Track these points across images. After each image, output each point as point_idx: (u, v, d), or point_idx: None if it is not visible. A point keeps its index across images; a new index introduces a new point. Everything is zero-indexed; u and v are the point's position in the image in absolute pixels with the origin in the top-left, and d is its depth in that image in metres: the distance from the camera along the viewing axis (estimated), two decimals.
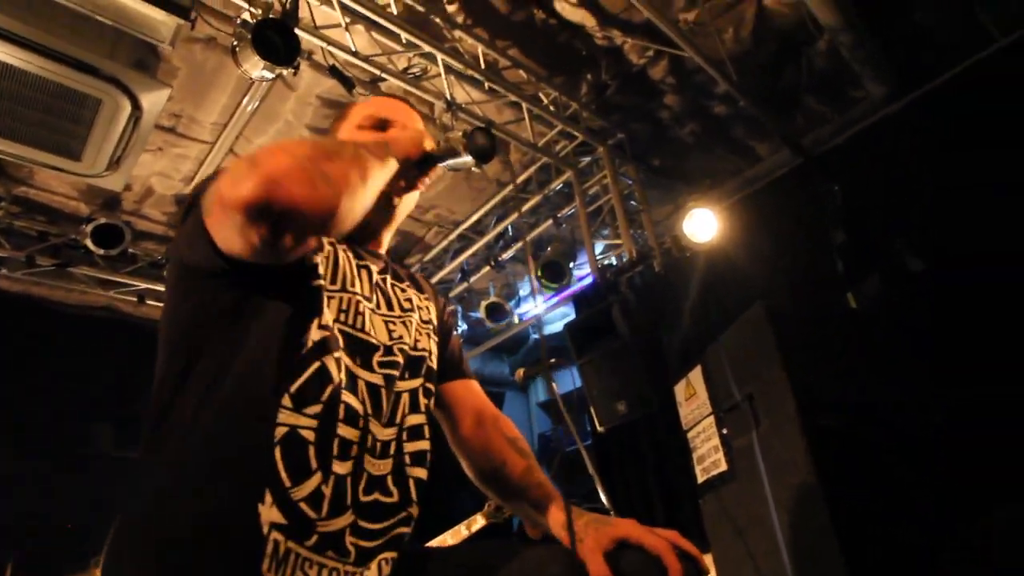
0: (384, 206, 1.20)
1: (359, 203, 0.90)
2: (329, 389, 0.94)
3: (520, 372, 3.14)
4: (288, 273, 0.97)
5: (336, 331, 1.00)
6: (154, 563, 0.82)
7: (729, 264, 3.94)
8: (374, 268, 1.17)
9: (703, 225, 4.03)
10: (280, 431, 0.89)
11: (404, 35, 3.66)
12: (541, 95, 4.25)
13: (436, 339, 1.26)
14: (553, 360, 3.75)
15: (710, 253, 4.04)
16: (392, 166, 1.01)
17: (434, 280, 5.69)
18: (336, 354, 0.97)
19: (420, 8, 3.67)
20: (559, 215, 4.89)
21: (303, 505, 0.87)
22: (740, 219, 4.12)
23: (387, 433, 1.03)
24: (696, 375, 3.22)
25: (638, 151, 4.68)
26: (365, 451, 0.97)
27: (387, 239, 1.30)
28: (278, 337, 0.95)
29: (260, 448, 0.87)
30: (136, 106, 3.72)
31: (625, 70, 4.23)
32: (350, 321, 1.04)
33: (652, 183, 4.92)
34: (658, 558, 0.88)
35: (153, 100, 3.75)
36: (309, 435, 0.91)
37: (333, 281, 1.05)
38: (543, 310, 5.44)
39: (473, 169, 3.64)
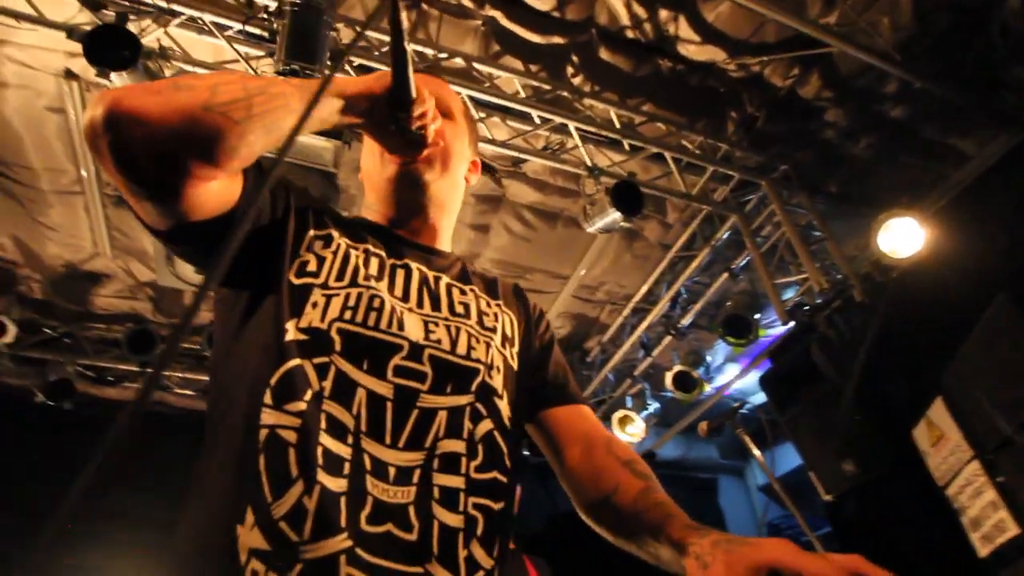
0: (409, 183, 1.09)
1: (254, 123, 0.80)
2: (309, 393, 0.83)
3: (703, 425, 2.76)
4: (264, 273, 0.92)
5: (334, 331, 0.88)
6: None
7: (947, 273, 3.21)
8: (419, 265, 1.05)
9: (905, 237, 3.40)
10: (263, 433, 0.80)
11: (536, 113, 3.86)
12: (685, 143, 4.12)
13: (510, 353, 1.06)
14: (737, 404, 3.25)
15: (918, 267, 3.35)
16: (334, 103, 0.90)
17: (615, 360, 5.47)
18: (322, 358, 0.86)
19: (546, 87, 3.87)
20: (733, 267, 4.49)
21: (283, 525, 0.74)
22: (951, 222, 3.40)
23: (406, 457, 0.84)
24: (938, 411, 2.58)
25: (809, 180, 4.22)
26: (366, 472, 0.80)
27: (442, 230, 1.17)
28: (257, 344, 0.89)
29: (246, 457, 0.79)
30: None
31: (771, 97, 3.95)
32: (359, 319, 0.90)
33: (834, 214, 4.35)
34: None
35: None
36: (291, 436, 0.79)
37: (339, 278, 0.94)
38: (737, 374, 4.86)
39: (622, 224, 3.53)
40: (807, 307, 3.72)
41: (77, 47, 3.61)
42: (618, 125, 3.95)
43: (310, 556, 0.73)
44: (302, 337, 0.87)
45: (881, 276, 3.55)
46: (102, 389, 5.24)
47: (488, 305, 1.09)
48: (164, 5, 3.32)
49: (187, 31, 3.45)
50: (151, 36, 3.35)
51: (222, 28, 3.46)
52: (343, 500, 0.77)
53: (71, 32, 3.19)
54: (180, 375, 5.36)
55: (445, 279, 1.07)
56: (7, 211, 4.43)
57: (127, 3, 3.33)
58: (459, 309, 1.04)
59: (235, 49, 3.52)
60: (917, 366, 3.10)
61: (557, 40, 3.82)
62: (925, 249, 3.33)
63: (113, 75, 3.07)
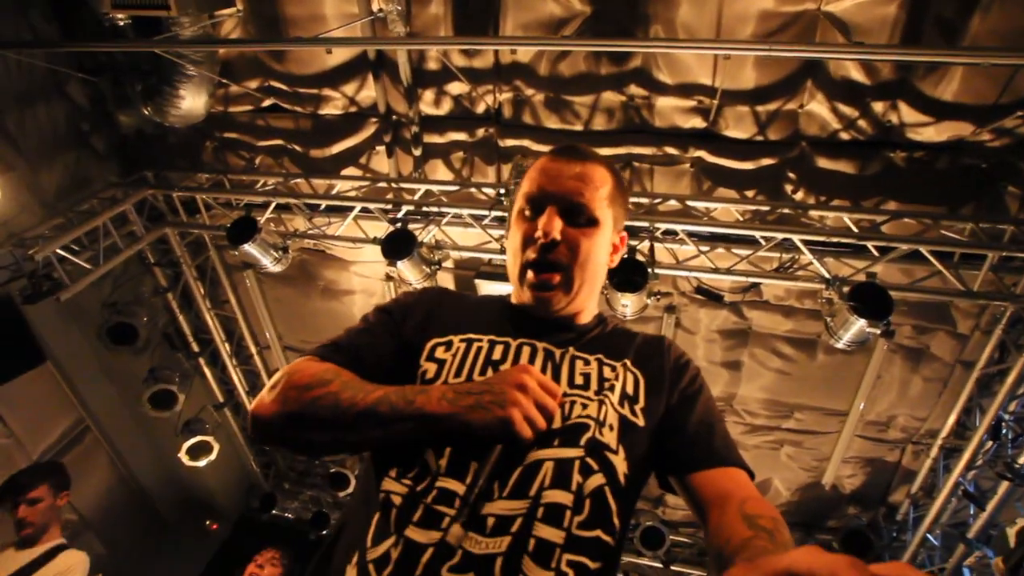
0: (541, 305, 1.17)
1: (331, 427, 0.96)
2: (427, 476, 0.94)
3: (998, 563, 2.06)
4: (402, 380, 1.04)
5: None
6: None
7: None
8: (546, 344, 1.12)
9: None
10: (381, 497, 0.93)
11: (758, 234, 3.78)
12: (948, 233, 3.51)
13: (631, 410, 1.06)
14: None
15: None
16: (416, 413, 0.95)
17: (932, 516, 4.25)
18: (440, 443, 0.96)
19: (765, 208, 3.82)
20: None
21: (371, 567, 0.86)
22: None
23: (509, 506, 0.89)
24: None
25: None
26: (457, 520, 0.87)
27: (581, 311, 1.22)
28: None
29: (368, 514, 0.93)
30: None
31: None
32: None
33: None
34: None
35: None
36: (397, 500, 0.92)
37: (457, 374, 1.05)
38: None
39: (869, 330, 3.16)
40: None
41: None
42: (855, 229, 3.61)
43: None
44: None
45: None
46: None
47: (612, 369, 1.10)
48: (436, 210, 4.40)
49: (454, 226, 4.43)
50: (429, 235, 4.40)
51: (478, 218, 4.38)
52: (429, 552, 0.85)
53: (377, 240, 4.38)
54: None
55: (571, 352, 1.12)
56: None
57: (414, 215, 4.48)
58: (579, 380, 1.07)
59: (488, 233, 4.37)
60: None
61: (767, 162, 3.84)
62: None
63: (399, 264, 4.10)
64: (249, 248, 4.12)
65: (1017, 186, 3.41)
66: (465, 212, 4.33)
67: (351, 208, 4.56)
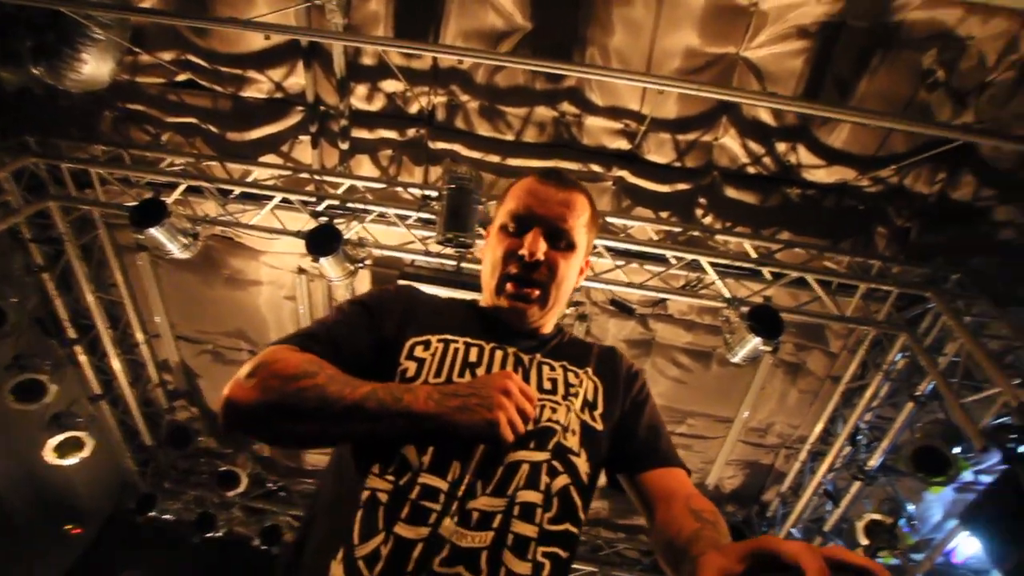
0: (515, 316, 1.23)
1: (316, 419, 0.97)
2: (408, 472, 0.98)
3: None
4: (380, 375, 1.08)
5: None
6: None
7: None
8: (515, 350, 1.19)
9: None
10: (365, 494, 0.96)
11: (670, 254, 4.10)
12: (830, 264, 4.00)
13: (591, 416, 1.16)
14: None
15: None
16: (404, 411, 0.98)
17: (797, 513, 4.82)
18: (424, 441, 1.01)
19: (677, 229, 4.14)
20: (917, 393, 3.95)
21: (360, 564, 0.89)
22: None
23: (491, 503, 0.97)
24: None
25: (987, 285, 3.76)
26: (451, 520, 0.94)
27: (547, 323, 1.30)
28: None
29: (348, 511, 0.96)
30: None
31: (920, 205, 3.79)
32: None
33: None
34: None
35: None
36: (383, 497, 0.96)
37: (437, 374, 1.10)
38: (941, 519, 3.96)
39: (762, 348, 3.49)
40: (1011, 427, 3.12)
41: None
42: (754, 255, 4.02)
43: None
44: None
45: None
46: None
47: (576, 376, 1.20)
48: (361, 207, 4.33)
49: (378, 224, 4.38)
50: (352, 231, 4.33)
51: (403, 218, 4.37)
52: (419, 546, 0.90)
53: (299, 234, 4.24)
54: None
55: (538, 358, 1.20)
56: None
57: (337, 210, 4.39)
58: (547, 385, 1.15)
59: (412, 234, 4.38)
60: None
61: (682, 187, 4.17)
62: None
63: (322, 260, 4.00)
64: (156, 232, 3.84)
65: (885, 227, 3.95)
66: (391, 211, 4.31)
67: (269, 197, 4.38)
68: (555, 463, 1.04)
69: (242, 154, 4.54)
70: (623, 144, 4.08)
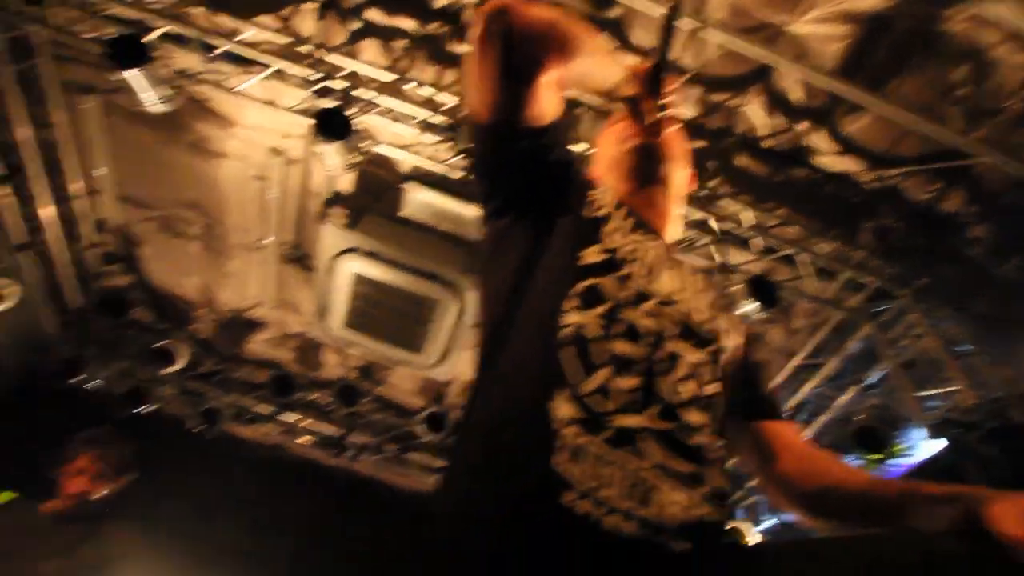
0: (646, 155, 1.27)
1: (476, 80, 1.04)
2: (609, 302, 0.96)
3: None
4: (556, 208, 1.10)
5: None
6: (478, 444, 0.92)
7: None
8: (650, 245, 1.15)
9: None
10: (567, 331, 0.92)
11: None
12: (816, 250, 4.18)
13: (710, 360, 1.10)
14: None
15: None
16: (480, 38, 1.03)
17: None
18: (618, 273, 1.01)
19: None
20: (865, 379, 4.32)
21: (589, 400, 0.86)
22: None
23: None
24: None
25: (951, 295, 4.10)
26: (656, 376, 0.93)
27: (667, 212, 1.29)
28: (554, 267, 1.03)
29: (549, 350, 0.91)
30: (462, 308, 4.66)
31: (909, 210, 4.00)
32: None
33: (980, 335, 4.15)
34: None
35: (473, 300, 4.65)
36: (595, 332, 0.93)
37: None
38: None
39: (758, 316, 3.57)
40: (957, 423, 3.48)
41: (291, 129, 4.37)
42: (753, 222, 4.11)
43: (618, 424, 0.87)
44: (599, 259, 1.03)
45: None
46: (237, 427, 5.70)
47: (691, 299, 1.18)
48: (369, 97, 4.01)
49: (382, 117, 4.09)
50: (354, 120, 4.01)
51: (409, 117, 4.10)
52: (640, 391, 0.91)
53: (304, 112, 3.88)
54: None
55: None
56: (203, 259, 5.19)
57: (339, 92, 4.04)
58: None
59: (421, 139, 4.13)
60: None
61: (699, 144, 4.15)
62: None
63: (327, 146, 3.71)
64: (138, 75, 3.38)
65: (872, 222, 4.15)
66: (405, 107, 4.02)
67: (260, 63, 3.96)
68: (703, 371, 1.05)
69: (234, 8, 4.03)
70: None
